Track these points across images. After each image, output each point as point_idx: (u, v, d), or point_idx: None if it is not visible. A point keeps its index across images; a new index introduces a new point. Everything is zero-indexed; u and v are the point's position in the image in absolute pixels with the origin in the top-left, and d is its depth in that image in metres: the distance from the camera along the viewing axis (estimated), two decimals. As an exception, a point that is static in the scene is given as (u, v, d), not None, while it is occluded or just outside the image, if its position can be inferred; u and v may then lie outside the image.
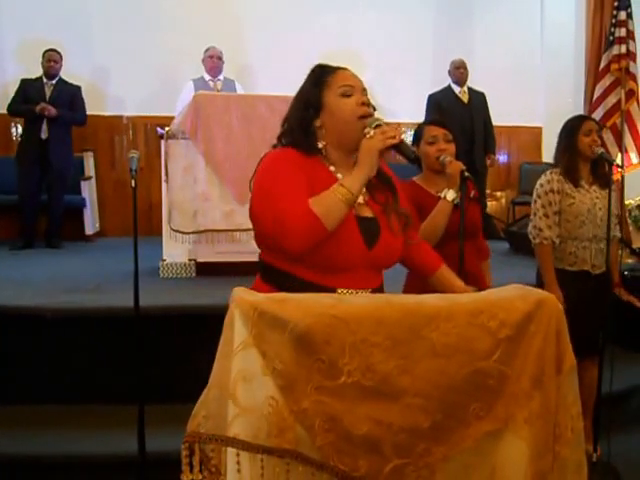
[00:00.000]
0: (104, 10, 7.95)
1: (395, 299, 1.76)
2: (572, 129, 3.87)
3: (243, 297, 1.64)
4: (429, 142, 3.27)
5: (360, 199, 2.19)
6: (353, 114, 2.17)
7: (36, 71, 7.12)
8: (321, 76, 2.25)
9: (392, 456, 1.66)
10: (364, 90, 2.23)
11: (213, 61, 7.11)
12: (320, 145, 2.22)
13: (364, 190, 2.20)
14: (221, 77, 7.17)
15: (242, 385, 1.58)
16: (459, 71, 7.43)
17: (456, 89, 7.46)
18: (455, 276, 2.51)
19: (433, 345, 1.65)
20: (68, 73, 7.31)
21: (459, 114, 7.19)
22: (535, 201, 3.89)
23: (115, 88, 8.13)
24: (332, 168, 2.21)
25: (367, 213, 2.22)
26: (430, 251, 2.58)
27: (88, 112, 7.40)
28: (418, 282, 3.29)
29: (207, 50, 7.18)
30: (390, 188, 2.32)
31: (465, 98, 7.47)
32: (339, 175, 2.19)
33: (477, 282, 3.21)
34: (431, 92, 7.48)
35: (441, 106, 7.21)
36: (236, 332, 1.59)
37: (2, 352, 4.16)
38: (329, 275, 2.11)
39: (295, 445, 1.62)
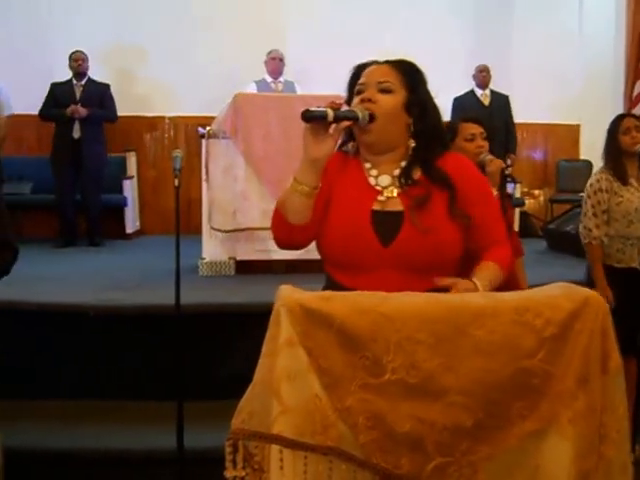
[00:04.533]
0: (155, 10, 8.07)
1: (440, 297, 1.75)
2: (612, 129, 3.93)
3: (289, 295, 1.64)
4: (467, 139, 3.29)
5: (391, 192, 2.13)
6: None
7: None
8: (353, 77, 2.23)
9: (435, 454, 1.65)
10: (378, 83, 2.13)
11: (275, 63, 7.26)
12: (349, 145, 2.23)
13: (395, 182, 2.13)
14: (282, 79, 7.29)
15: (286, 382, 1.59)
16: (482, 75, 7.78)
17: (478, 92, 7.81)
18: (480, 272, 2.16)
19: (477, 343, 1.63)
20: (121, 74, 7.57)
21: (479, 115, 7.39)
22: (585, 201, 3.94)
23: (160, 89, 8.22)
24: (367, 165, 2.18)
25: (394, 207, 2.12)
26: (493, 251, 2.25)
27: (131, 113, 7.52)
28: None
29: (270, 52, 7.32)
30: (445, 185, 2.13)
31: (486, 101, 7.78)
32: (373, 172, 2.16)
33: (513, 282, 3.21)
34: (456, 95, 7.74)
35: (463, 108, 7.50)
36: (282, 329, 1.59)
37: (46, 349, 4.23)
38: (353, 276, 2.08)
39: (338, 443, 1.62)
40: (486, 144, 3.30)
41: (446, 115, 7.36)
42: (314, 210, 2.08)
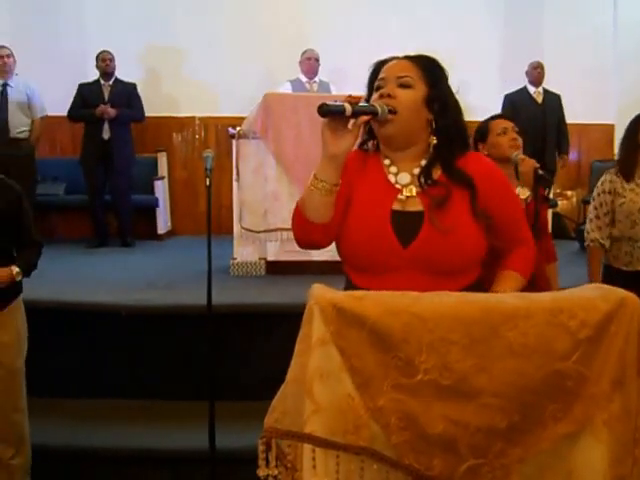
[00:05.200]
0: (187, 10, 8.12)
1: (473, 297, 1.73)
2: (632, 125, 3.85)
3: (322, 294, 1.64)
4: (499, 133, 3.28)
5: (410, 191, 2.09)
6: None
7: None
8: (373, 73, 2.20)
9: (467, 456, 1.64)
10: (398, 78, 2.09)
11: (310, 63, 7.26)
12: (370, 144, 2.21)
13: (415, 181, 2.09)
14: (317, 79, 7.31)
15: (319, 382, 1.59)
16: (536, 71, 7.55)
17: (531, 89, 7.60)
18: (503, 283, 2.19)
19: (511, 344, 1.62)
20: (152, 74, 7.79)
21: (532, 114, 7.35)
22: (590, 203, 3.91)
23: (191, 90, 8.26)
24: (387, 162, 2.14)
25: (414, 207, 2.08)
26: (516, 254, 2.26)
27: (162, 113, 7.56)
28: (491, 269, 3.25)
29: (304, 52, 7.33)
30: (466, 185, 2.09)
31: (539, 98, 7.59)
32: (392, 169, 2.12)
33: (542, 283, 3.19)
34: (507, 92, 7.62)
35: (515, 105, 7.36)
36: (314, 329, 1.59)
37: (78, 348, 4.27)
38: (371, 278, 2.04)
39: (370, 443, 1.62)
40: (519, 138, 3.29)
41: (468, 113, 7.39)
42: (335, 209, 2.05)
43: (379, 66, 2.19)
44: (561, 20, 8.52)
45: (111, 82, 7.25)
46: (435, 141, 2.11)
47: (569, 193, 8.80)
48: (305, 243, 2.13)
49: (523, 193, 3.13)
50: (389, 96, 2.06)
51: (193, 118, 8.36)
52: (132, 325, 4.23)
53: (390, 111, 2.03)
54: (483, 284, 2.15)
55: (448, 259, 2.03)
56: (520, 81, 7.67)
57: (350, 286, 2.09)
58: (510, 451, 1.66)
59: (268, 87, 6.82)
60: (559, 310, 1.65)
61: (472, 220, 2.06)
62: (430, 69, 2.14)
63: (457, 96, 2.19)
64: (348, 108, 1.93)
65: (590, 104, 8.40)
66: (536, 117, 7.36)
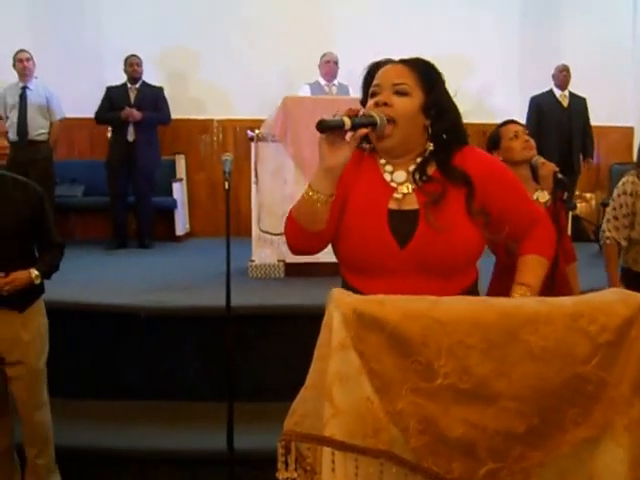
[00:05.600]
0: (208, 13, 8.13)
1: (492, 301, 1.74)
2: None
3: (342, 298, 1.65)
4: (511, 137, 3.29)
5: (405, 189, 2.06)
6: None
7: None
8: (367, 76, 2.17)
9: (486, 460, 1.64)
10: (394, 85, 2.05)
11: (330, 66, 7.26)
12: (367, 146, 2.16)
13: (410, 179, 2.07)
14: (336, 82, 7.31)
15: (339, 386, 1.59)
16: (562, 74, 7.53)
17: (557, 93, 7.58)
18: (526, 271, 2.17)
19: (531, 349, 1.62)
20: (171, 78, 7.87)
21: (558, 117, 7.41)
22: (609, 204, 3.89)
23: (210, 92, 8.30)
24: (382, 161, 2.11)
25: (410, 205, 2.05)
26: (533, 237, 2.21)
27: (180, 116, 7.61)
28: (504, 282, 3.25)
29: (324, 55, 7.33)
30: (462, 182, 2.06)
31: (565, 102, 7.58)
32: (388, 167, 2.10)
33: (563, 284, 3.18)
34: (533, 95, 7.62)
35: (541, 108, 7.41)
36: (334, 333, 1.60)
37: (96, 350, 4.30)
38: (368, 280, 2.02)
39: (389, 446, 1.62)
40: (531, 140, 3.30)
41: (491, 117, 7.34)
42: (330, 212, 2.01)
43: (373, 69, 2.16)
44: (580, 23, 8.47)
45: (137, 85, 7.30)
46: (432, 147, 2.09)
47: (588, 195, 8.74)
48: (298, 250, 2.11)
49: (543, 197, 3.15)
50: (385, 104, 2.03)
51: (211, 121, 8.38)
52: (151, 326, 4.25)
53: (389, 120, 2.00)
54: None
55: (444, 258, 2.01)
56: (540, 85, 7.65)
57: (346, 288, 2.02)
58: (530, 455, 1.66)
59: (286, 90, 6.84)
60: (579, 315, 1.65)
61: (468, 219, 2.04)
62: (426, 74, 2.10)
63: (455, 99, 2.15)
64: (347, 122, 1.90)
65: (609, 107, 8.34)
66: (562, 120, 7.40)
